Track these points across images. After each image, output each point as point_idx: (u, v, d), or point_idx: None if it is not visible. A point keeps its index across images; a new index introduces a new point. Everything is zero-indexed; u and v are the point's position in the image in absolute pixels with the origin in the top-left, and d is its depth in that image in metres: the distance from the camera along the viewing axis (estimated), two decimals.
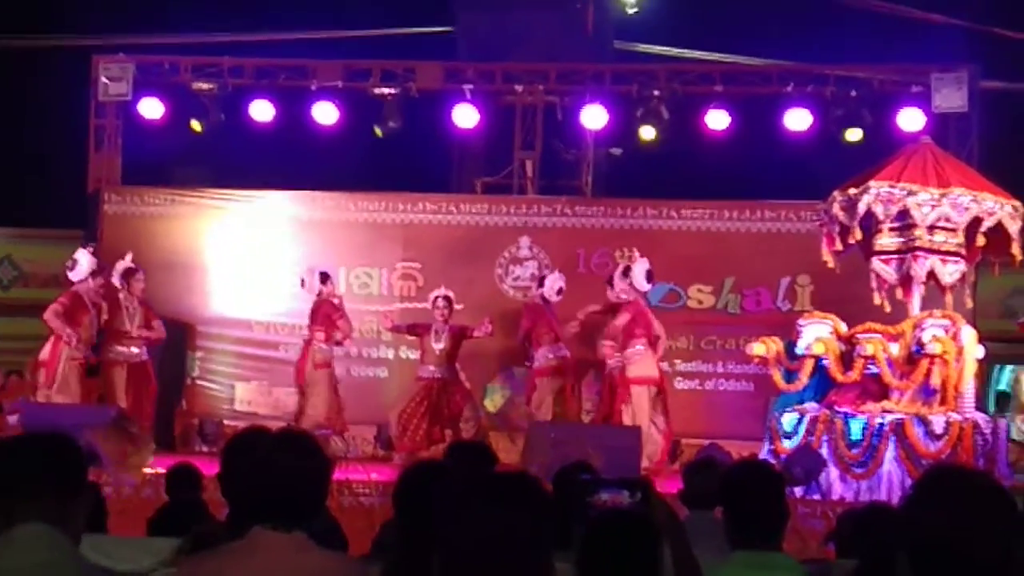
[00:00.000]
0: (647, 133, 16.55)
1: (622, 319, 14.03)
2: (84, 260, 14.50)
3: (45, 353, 14.27)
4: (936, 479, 2.79)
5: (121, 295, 14.56)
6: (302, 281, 14.88)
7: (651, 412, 13.95)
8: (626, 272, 14.15)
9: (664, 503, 4.16)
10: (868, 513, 5.18)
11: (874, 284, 12.16)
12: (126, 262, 14.68)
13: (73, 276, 14.44)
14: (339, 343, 14.80)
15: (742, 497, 4.46)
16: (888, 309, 12.17)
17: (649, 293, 14.52)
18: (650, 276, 14.19)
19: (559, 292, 14.70)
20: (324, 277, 14.77)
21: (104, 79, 16.83)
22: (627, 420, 13.82)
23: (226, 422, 15.99)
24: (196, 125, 16.86)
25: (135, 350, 14.54)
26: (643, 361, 14.01)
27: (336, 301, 14.78)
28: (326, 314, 14.61)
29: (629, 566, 3.75)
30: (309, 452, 3.57)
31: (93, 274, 14.40)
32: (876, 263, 12.10)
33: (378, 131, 16.75)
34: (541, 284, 14.86)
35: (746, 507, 4.43)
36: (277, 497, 3.47)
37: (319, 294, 14.69)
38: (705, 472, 6.72)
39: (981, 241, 11.82)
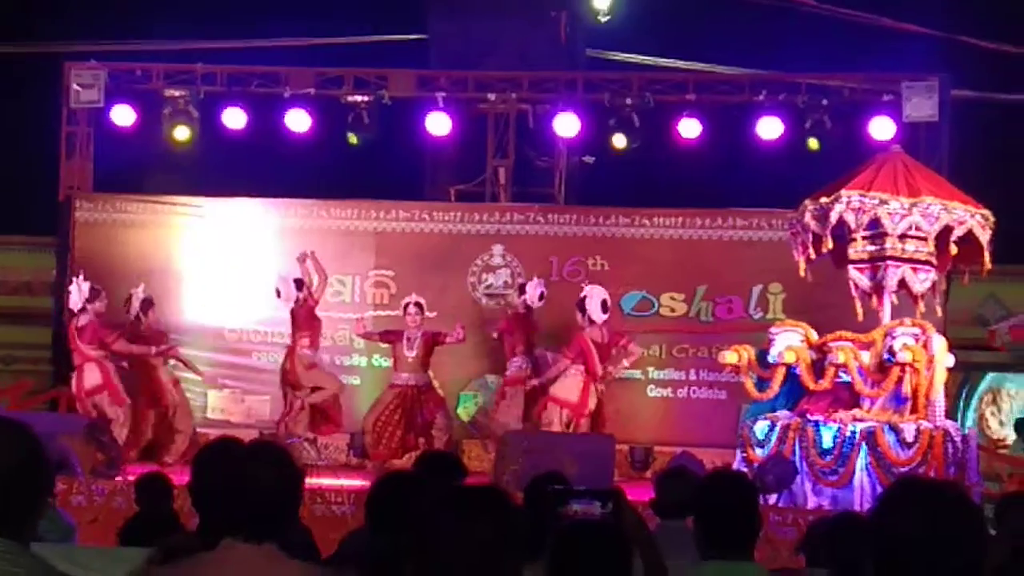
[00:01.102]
0: (619, 141, 16.56)
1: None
2: (74, 289, 14.59)
3: (95, 380, 14.31)
4: (903, 489, 2.81)
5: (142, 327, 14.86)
6: (277, 292, 14.84)
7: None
8: (581, 307, 14.26)
9: (635, 513, 4.17)
10: (837, 522, 5.20)
11: (855, 293, 12.21)
12: (139, 292, 14.80)
13: (74, 306, 14.55)
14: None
15: (715, 507, 4.47)
16: (860, 318, 12.20)
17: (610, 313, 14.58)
18: (605, 306, 14.30)
19: (541, 297, 14.73)
20: (299, 283, 14.76)
21: (76, 86, 16.74)
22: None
23: (198, 430, 15.91)
24: (181, 134, 16.78)
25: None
26: (567, 384, 14.09)
27: (313, 304, 14.83)
28: (306, 318, 14.63)
29: None
30: (281, 464, 3.56)
31: (90, 300, 14.50)
32: (852, 271, 12.16)
33: (353, 138, 16.72)
34: (522, 292, 14.83)
35: (719, 517, 4.44)
36: (248, 509, 3.47)
37: (296, 300, 14.68)
38: (677, 481, 6.75)
39: (954, 250, 11.87)
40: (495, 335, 14.96)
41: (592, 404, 14.19)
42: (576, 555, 3.80)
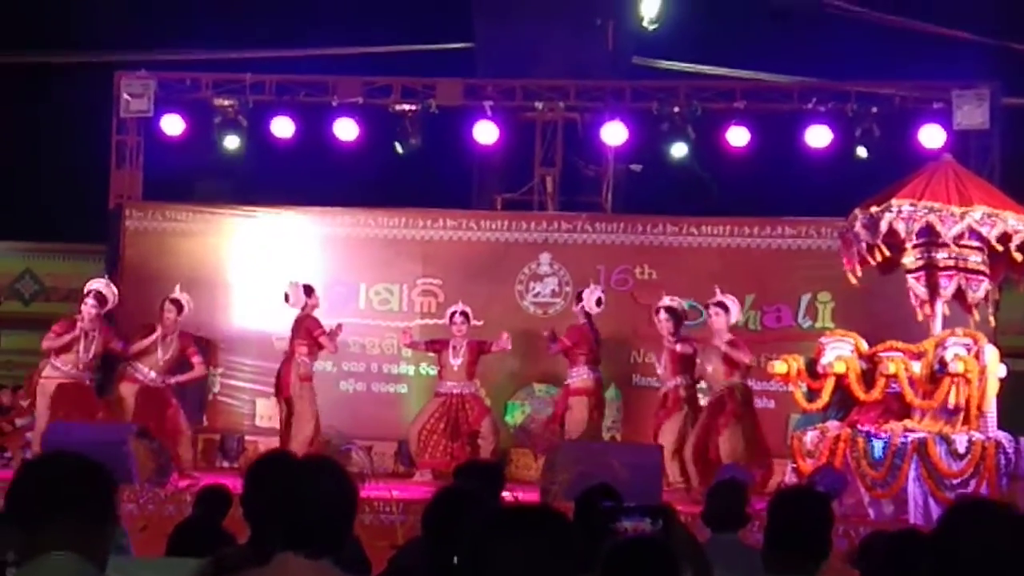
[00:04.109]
0: (678, 151, 16.48)
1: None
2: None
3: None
4: (964, 514, 2.78)
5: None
6: (286, 296, 14.71)
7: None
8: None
9: (685, 531, 4.15)
10: (898, 539, 5.13)
11: (915, 302, 12.10)
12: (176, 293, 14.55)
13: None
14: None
15: (789, 525, 4.40)
16: (938, 327, 11.98)
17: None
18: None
19: (599, 303, 14.61)
20: (308, 290, 14.64)
21: (126, 95, 16.87)
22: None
23: (247, 438, 16.02)
24: (231, 143, 16.84)
25: (154, 375, 14.23)
26: None
27: (318, 315, 14.67)
28: (308, 328, 14.50)
29: None
30: (336, 478, 3.56)
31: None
32: (910, 280, 12.06)
33: (399, 148, 16.76)
34: (579, 299, 14.73)
35: (794, 535, 4.37)
36: (303, 524, 3.46)
37: (304, 307, 14.60)
38: (727, 493, 6.70)
39: (1019, 258, 11.71)
40: (552, 350, 14.63)
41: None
42: (626, 572, 3.77)
